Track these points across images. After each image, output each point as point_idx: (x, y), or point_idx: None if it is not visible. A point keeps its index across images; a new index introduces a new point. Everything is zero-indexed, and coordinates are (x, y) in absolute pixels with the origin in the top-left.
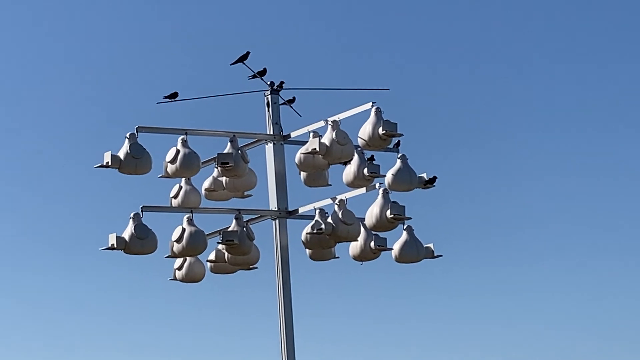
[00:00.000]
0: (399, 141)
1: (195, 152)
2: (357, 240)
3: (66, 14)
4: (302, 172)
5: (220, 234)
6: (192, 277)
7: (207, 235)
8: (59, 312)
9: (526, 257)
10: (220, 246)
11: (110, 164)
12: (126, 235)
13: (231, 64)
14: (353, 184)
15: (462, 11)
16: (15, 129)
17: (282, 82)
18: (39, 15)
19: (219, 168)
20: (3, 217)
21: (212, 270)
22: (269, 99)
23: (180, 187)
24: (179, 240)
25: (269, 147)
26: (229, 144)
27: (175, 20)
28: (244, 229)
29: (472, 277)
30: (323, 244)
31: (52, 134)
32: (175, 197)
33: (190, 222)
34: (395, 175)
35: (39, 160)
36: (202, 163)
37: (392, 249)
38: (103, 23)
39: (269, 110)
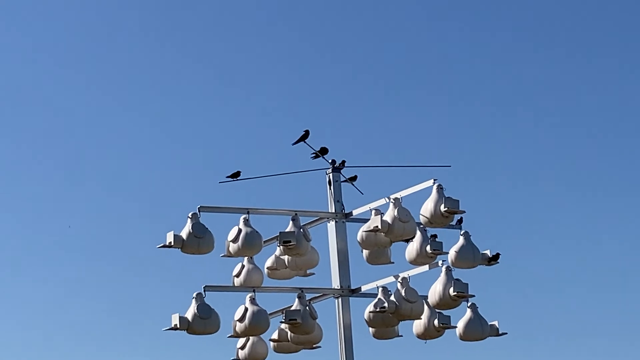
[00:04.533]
0: (461, 218)
1: (257, 231)
2: (421, 319)
3: (130, 96)
4: (364, 250)
5: (283, 313)
6: (255, 357)
7: (270, 314)
8: None
9: (592, 336)
10: (283, 325)
11: (172, 244)
12: (189, 315)
13: (293, 144)
14: (416, 262)
15: (522, 87)
16: (74, 207)
17: (343, 162)
18: (105, 97)
19: (281, 247)
20: (68, 298)
21: (275, 349)
22: (331, 177)
23: (243, 266)
24: (241, 320)
25: (331, 225)
26: (290, 222)
27: (236, 101)
28: (307, 307)
29: (538, 356)
30: (386, 322)
31: (115, 214)
32: (238, 275)
33: (252, 301)
34: (458, 252)
35: (101, 241)
36: (264, 242)
37: (456, 326)
38: (166, 102)
39: (330, 188)
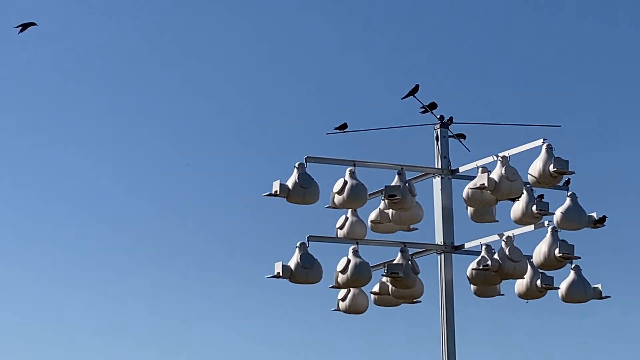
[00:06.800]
0: (569, 179)
1: (362, 184)
2: (524, 278)
3: (244, 52)
4: (469, 207)
5: (385, 267)
6: (355, 309)
7: (372, 267)
8: (224, 337)
9: None
10: (384, 278)
11: (278, 192)
12: (292, 264)
13: (402, 98)
14: (521, 221)
15: (636, 47)
16: (183, 156)
17: (451, 118)
18: (218, 51)
19: (386, 200)
20: (174, 247)
21: (376, 302)
22: (438, 133)
23: (347, 218)
24: (343, 271)
25: (437, 181)
26: (396, 176)
27: (346, 54)
28: (409, 262)
29: None
30: (488, 280)
31: (223, 162)
32: (341, 227)
33: (355, 253)
34: (565, 214)
35: (209, 188)
36: (369, 195)
37: (559, 288)
38: (276, 57)
39: (437, 144)
